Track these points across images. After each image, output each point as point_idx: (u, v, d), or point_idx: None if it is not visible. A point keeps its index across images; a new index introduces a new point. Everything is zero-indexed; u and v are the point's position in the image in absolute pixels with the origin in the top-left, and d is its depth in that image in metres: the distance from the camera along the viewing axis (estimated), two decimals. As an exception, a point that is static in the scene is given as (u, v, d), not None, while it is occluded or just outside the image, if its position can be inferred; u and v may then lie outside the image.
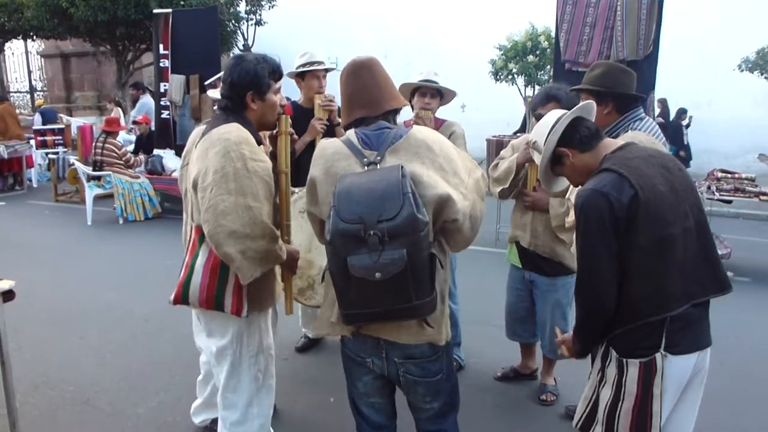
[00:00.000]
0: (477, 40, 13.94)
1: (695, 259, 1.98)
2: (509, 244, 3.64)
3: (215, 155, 2.25)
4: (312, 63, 3.87)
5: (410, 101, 3.65)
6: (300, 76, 3.90)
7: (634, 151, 2.06)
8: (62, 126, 11.42)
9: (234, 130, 2.31)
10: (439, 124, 3.66)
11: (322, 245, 2.99)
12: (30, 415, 3.40)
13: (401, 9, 16.37)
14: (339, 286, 1.90)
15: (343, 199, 1.81)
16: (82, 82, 18.94)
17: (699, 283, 1.98)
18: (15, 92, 20.52)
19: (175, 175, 8.52)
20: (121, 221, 8.48)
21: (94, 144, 8.94)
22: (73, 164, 9.53)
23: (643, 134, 2.59)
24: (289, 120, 2.65)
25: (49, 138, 10.91)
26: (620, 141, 2.17)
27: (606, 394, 2.06)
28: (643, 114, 2.81)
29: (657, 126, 2.79)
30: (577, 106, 2.22)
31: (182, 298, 2.40)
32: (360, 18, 16.60)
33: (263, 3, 15.80)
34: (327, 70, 3.92)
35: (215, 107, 3.22)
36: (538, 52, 12.24)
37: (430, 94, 3.62)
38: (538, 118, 3.18)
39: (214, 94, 3.05)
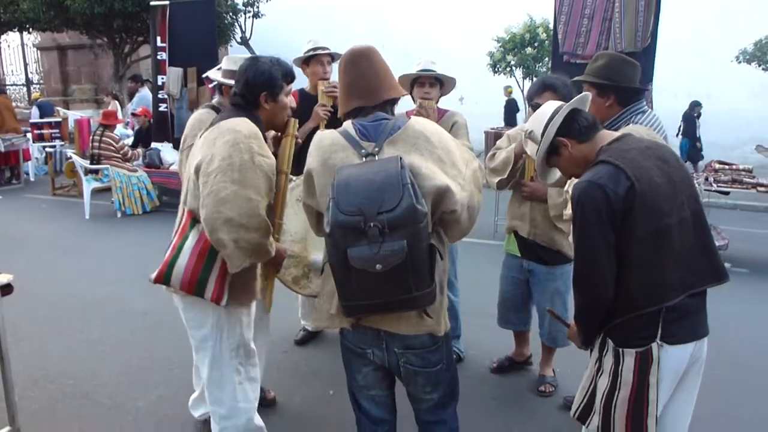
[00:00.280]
0: (475, 32, 13.92)
1: (692, 250, 1.98)
2: (507, 235, 3.65)
3: (224, 144, 2.28)
4: (316, 49, 3.87)
5: (411, 93, 3.64)
6: (306, 63, 3.92)
7: (631, 142, 2.06)
8: (59, 119, 11.39)
9: (245, 124, 2.34)
10: (441, 114, 3.66)
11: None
12: (29, 409, 3.40)
13: (399, 0, 16.32)
14: (339, 277, 1.90)
15: (342, 191, 1.81)
16: (78, 75, 18.87)
17: (695, 274, 1.99)
18: (11, 85, 20.45)
19: (173, 168, 8.51)
20: (119, 215, 8.47)
21: (91, 137, 8.91)
22: (70, 158, 9.50)
23: (644, 128, 2.58)
24: (297, 124, 2.68)
25: (46, 131, 10.88)
26: (617, 133, 2.17)
27: (603, 384, 2.07)
28: (646, 107, 2.79)
29: (659, 119, 2.77)
30: (575, 98, 2.22)
31: (164, 278, 2.40)
32: (358, 10, 16.55)
33: (261, -5, 15.75)
34: (331, 56, 3.91)
35: (214, 98, 3.22)
36: (536, 44, 12.25)
37: (429, 83, 3.60)
38: (535, 107, 3.17)
39: (216, 75, 3.06)
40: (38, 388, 3.69)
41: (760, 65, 13.94)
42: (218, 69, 3.11)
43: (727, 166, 6.80)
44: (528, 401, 3.57)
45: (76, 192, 9.78)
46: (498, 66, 12.70)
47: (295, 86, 3.88)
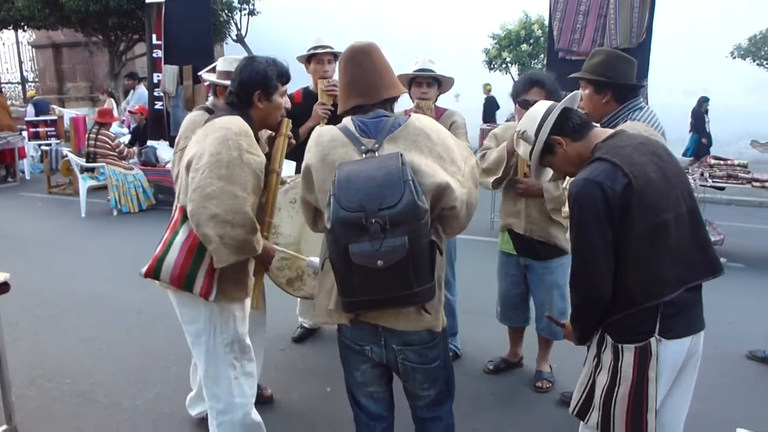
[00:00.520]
0: (471, 29, 13.91)
1: (687, 245, 1.99)
2: (501, 233, 3.65)
3: (214, 140, 2.29)
4: (317, 47, 3.87)
5: (408, 92, 3.63)
6: (308, 61, 3.92)
7: (625, 138, 2.06)
8: (55, 117, 11.35)
9: (236, 122, 2.36)
10: (439, 114, 3.64)
11: (312, 237, 3.01)
12: (27, 408, 3.40)
13: (395, -2, 16.33)
14: (340, 273, 1.90)
15: (343, 187, 1.81)
16: (74, 73, 18.82)
17: (691, 269, 2.00)
18: (6, 83, 20.34)
19: (168, 166, 8.49)
20: (115, 213, 8.46)
21: (87, 135, 8.89)
22: (66, 156, 9.49)
23: (642, 125, 2.58)
24: (290, 124, 2.69)
25: (41, 129, 10.83)
26: (610, 130, 2.18)
27: (602, 380, 2.08)
28: (643, 103, 2.79)
29: (656, 116, 2.77)
30: (566, 97, 2.22)
31: (154, 273, 2.43)
32: (355, 8, 16.53)
33: (256, -8, 15.73)
34: (334, 55, 3.90)
35: (209, 97, 3.22)
36: (531, 41, 12.27)
37: (427, 82, 3.58)
38: (522, 104, 3.17)
39: (210, 76, 3.07)
40: (35, 386, 3.68)
41: (754, 61, 13.97)
42: (209, 70, 3.12)
43: (722, 162, 6.81)
44: (525, 397, 3.58)
45: (71, 190, 9.77)
46: (493, 63, 12.72)
47: (299, 84, 3.91)
